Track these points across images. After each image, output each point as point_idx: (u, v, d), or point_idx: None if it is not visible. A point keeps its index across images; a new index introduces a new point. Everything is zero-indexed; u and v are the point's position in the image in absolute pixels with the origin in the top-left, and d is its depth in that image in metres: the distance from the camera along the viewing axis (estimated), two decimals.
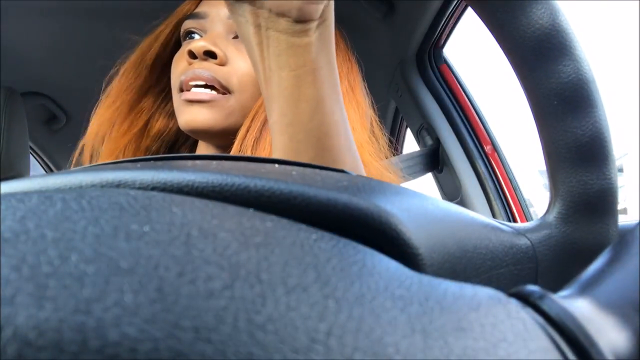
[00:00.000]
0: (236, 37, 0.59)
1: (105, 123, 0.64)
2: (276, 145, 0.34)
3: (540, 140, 0.28)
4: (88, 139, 0.65)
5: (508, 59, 0.27)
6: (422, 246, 0.16)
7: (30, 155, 1.39)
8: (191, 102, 0.54)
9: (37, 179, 0.16)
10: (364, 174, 0.38)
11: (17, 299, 0.08)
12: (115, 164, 0.18)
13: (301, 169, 0.18)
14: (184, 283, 0.09)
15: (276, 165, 0.18)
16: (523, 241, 0.26)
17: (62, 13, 1.03)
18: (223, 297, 0.09)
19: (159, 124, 0.67)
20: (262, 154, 0.53)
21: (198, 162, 0.18)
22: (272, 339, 0.09)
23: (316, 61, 0.32)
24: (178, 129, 0.66)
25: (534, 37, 0.25)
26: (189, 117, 0.54)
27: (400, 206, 0.17)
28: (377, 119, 0.64)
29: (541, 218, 0.29)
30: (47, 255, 0.09)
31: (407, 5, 1.01)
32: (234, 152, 0.54)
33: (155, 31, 0.66)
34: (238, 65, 0.56)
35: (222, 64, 0.55)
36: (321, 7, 0.30)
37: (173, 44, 0.65)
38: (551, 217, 0.28)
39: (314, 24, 0.31)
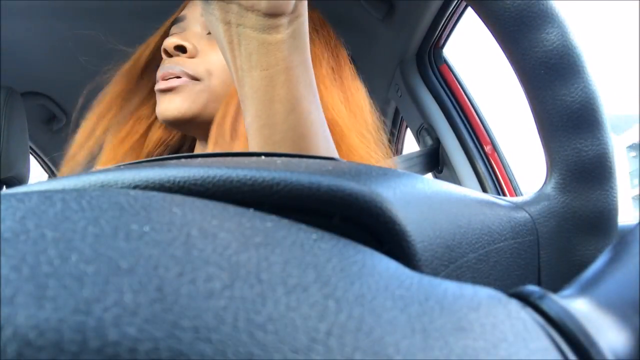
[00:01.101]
0: (209, 33, 0.60)
1: (97, 130, 0.65)
2: (252, 145, 0.34)
3: (532, 112, 0.28)
4: (76, 148, 0.65)
5: (491, 32, 0.27)
6: (410, 223, 0.16)
7: (30, 155, 1.39)
8: (163, 91, 0.57)
9: (43, 184, 0.16)
10: None
11: (17, 299, 0.08)
12: (101, 169, 0.18)
13: (287, 158, 0.18)
14: (184, 283, 0.09)
15: (263, 158, 0.18)
16: (521, 214, 0.26)
17: (63, 13, 1.03)
18: (223, 297, 0.09)
19: (160, 131, 0.67)
20: (241, 137, 0.53)
21: (183, 159, 0.18)
22: (272, 339, 0.09)
23: (289, 60, 0.31)
24: (180, 136, 0.67)
25: (515, 6, 0.25)
26: (161, 107, 0.57)
27: (386, 185, 0.17)
28: (375, 113, 0.63)
29: (539, 190, 0.28)
30: (47, 255, 0.09)
31: (407, 6, 1.01)
32: (211, 136, 0.55)
33: (147, 41, 0.68)
34: (208, 56, 0.58)
35: (192, 57, 0.58)
36: (293, 1, 0.30)
37: (157, 52, 0.66)
38: (549, 188, 0.28)
39: (285, 20, 0.30)
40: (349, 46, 0.70)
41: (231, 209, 0.13)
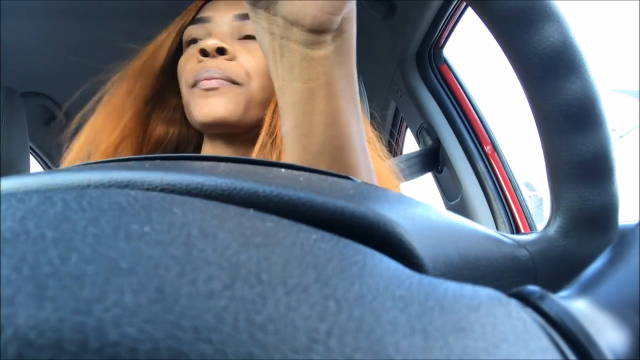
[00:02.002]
0: (241, 38, 0.61)
1: (104, 130, 0.65)
2: (289, 153, 0.34)
3: (544, 154, 0.28)
4: (82, 145, 0.65)
5: (516, 73, 0.27)
6: (425, 256, 0.16)
7: (30, 155, 1.39)
8: (207, 91, 0.57)
9: (44, 176, 0.16)
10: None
11: (17, 299, 0.08)
12: (122, 162, 0.18)
13: (308, 174, 0.18)
14: (184, 283, 0.09)
15: (282, 170, 0.18)
16: (523, 253, 0.26)
17: (63, 13, 1.03)
18: (223, 297, 0.09)
19: (158, 130, 0.67)
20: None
21: (205, 163, 0.18)
22: (273, 339, 0.09)
23: (331, 74, 0.31)
24: (178, 135, 0.67)
25: (544, 53, 0.25)
26: (207, 109, 0.57)
27: (405, 215, 0.17)
28: (372, 122, 0.64)
29: (542, 231, 0.29)
30: (47, 256, 0.09)
31: (407, 6, 1.01)
32: (259, 142, 0.55)
33: (157, 39, 0.68)
34: (246, 60, 0.59)
35: (231, 59, 0.58)
36: (338, 18, 0.30)
37: (174, 52, 0.66)
38: (551, 231, 0.28)
39: (329, 36, 0.30)
40: None
41: (231, 209, 0.14)
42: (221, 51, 0.58)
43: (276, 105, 0.56)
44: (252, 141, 0.59)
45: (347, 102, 0.32)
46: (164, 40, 0.67)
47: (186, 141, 0.69)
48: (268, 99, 0.60)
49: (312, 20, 0.29)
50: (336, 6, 0.29)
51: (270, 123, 0.56)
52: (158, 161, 0.19)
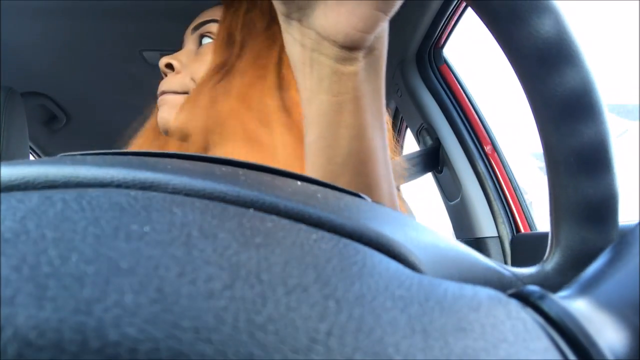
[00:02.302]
0: (200, 46, 0.67)
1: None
2: (312, 164, 0.34)
3: (550, 189, 0.27)
4: None
5: (533, 112, 0.27)
6: None
7: (30, 155, 1.39)
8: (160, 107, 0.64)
9: (66, 167, 0.16)
10: (397, 201, 0.37)
11: (18, 299, 0.08)
12: (143, 158, 0.17)
13: (323, 190, 0.18)
14: (184, 283, 0.09)
15: (299, 183, 0.18)
16: (520, 287, 0.26)
17: (63, 13, 1.03)
18: (223, 298, 0.09)
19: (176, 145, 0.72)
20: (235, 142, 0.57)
21: (225, 169, 0.18)
22: (273, 339, 0.09)
23: (360, 89, 0.31)
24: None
25: (564, 97, 0.25)
26: (159, 120, 0.64)
27: (418, 244, 0.17)
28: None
29: (539, 265, 0.29)
30: (48, 256, 0.09)
31: (407, 6, 1.01)
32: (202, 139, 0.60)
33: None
34: (192, 68, 0.65)
35: (178, 72, 0.65)
36: (370, 37, 0.30)
37: None
38: (549, 267, 0.28)
39: (360, 53, 0.30)
40: None
41: (231, 209, 0.14)
42: (169, 66, 0.65)
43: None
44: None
45: (373, 116, 0.33)
46: None
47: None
48: None
49: (345, 37, 0.29)
50: (369, 25, 0.29)
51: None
52: (178, 160, 0.19)
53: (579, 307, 0.14)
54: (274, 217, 0.14)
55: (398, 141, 1.37)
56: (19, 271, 0.09)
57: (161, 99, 0.64)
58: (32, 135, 1.27)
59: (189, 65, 0.65)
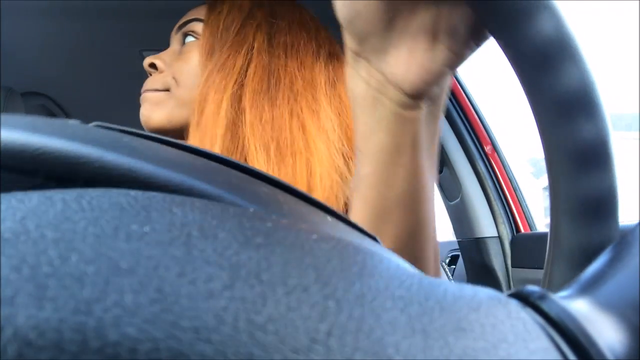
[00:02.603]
0: (183, 44, 0.68)
1: None
2: (364, 196, 0.34)
3: (550, 190, 0.27)
4: None
5: (534, 115, 0.26)
6: None
7: None
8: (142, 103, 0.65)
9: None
10: (437, 238, 0.37)
11: (17, 299, 0.08)
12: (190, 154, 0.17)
13: (342, 227, 0.18)
14: (184, 283, 0.09)
15: (329, 218, 0.18)
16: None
17: (63, 13, 1.03)
18: (223, 298, 0.09)
19: None
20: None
21: (266, 189, 0.18)
22: (273, 340, 0.09)
23: (419, 134, 0.32)
24: None
25: (563, 95, 0.24)
26: (141, 117, 0.65)
27: None
28: None
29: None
30: (47, 256, 0.09)
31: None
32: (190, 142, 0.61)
33: None
34: (175, 67, 0.66)
35: (162, 71, 0.66)
36: (436, 88, 0.31)
37: None
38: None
39: (423, 102, 0.31)
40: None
41: (231, 209, 0.14)
42: (152, 66, 0.66)
43: (198, 106, 0.61)
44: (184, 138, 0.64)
45: (429, 157, 0.33)
46: None
47: None
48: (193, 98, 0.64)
49: (412, 87, 0.30)
50: (436, 78, 0.30)
51: (197, 124, 0.61)
52: (229, 174, 0.18)
53: (579, 307, 0.14)
54: (274, 217, 0.14)
55: None
56: (19, 271, 0.09)
57: (143, 97, 0.65)
58: None
59: (172, 65, 0.66)
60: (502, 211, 1.19)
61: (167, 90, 0.64)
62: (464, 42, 0.29)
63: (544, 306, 0.13)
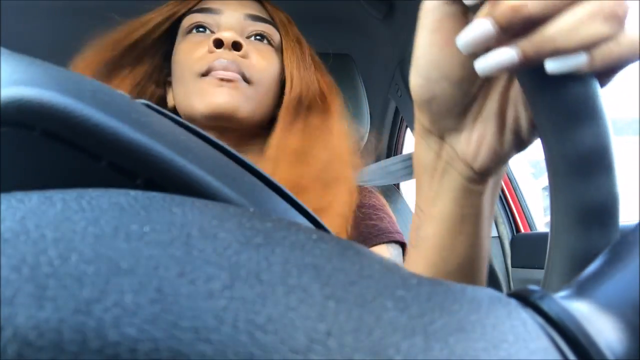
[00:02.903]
0: (249, 37, 0.62)
1: None
2: (425, 257, 0.34)
3: (551, 195, 0.27)
4: None
5: (535, 119, 0.26)
6: None
7: None
8: (221, 80, 0.56)
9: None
10: None
11: (17, 299, 0.08)
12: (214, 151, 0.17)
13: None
14: (183, 283, 0.09)
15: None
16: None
17: (65, 12, 1.03)
18: (223, 298, 0.09)
19: None
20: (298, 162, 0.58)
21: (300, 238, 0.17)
22: (272, 340, 0.09)
23: (484, 205, 0.33)
24: None
25: (565, 99, 0.24)
26: (217, 97, 0.56)
27: None
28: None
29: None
30: (47, 256, 0.09)
31: (407, 6, 1.01)
32: (270, 153, 0.59)
33: (142, 18, 0.67)
34: (257, 61, 0.60)
35: (244, 57, 0.59)
36: (500, 165, 0.32)
37: (162, 33, 0.65)
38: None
39: (489, 177, 0.32)
40: (349, 46, 0.69)
41: (231, 209, 0.13)
42: (236, 46, 0.57)
43: (286, 123, 0.59)
44: (243, 137, 0.60)
45: (489, 226, 0.34)
46: (150, 19, 0.65)
47: None
48: (271, 104, 0.61)
49: (481, 165, 0.31)
50: (504, 159, 0.31)
51: (285, 137, 0.59)
52: (242, 178, 0.18)
53: (579, 307, 0.14)
54: (274, 217, 0.14)
55: (398, 141, 1.37)
56: (19, 271, 0.09)
57: (233, 79, 0.56)
58: None
59: (253, 56, 0.60)
60: (502, 211, 1.19)
61: (249, 83, 0.58)
62: (531, 129, 0.30)
63: (544, 306, 0.13)
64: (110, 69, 0.65)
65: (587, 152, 0.24)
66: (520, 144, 0.31)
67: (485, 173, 0.31)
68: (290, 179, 0.55)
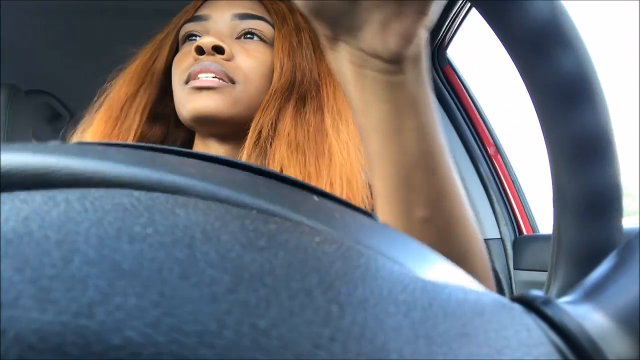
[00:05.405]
0: (239, 37, 0.63)
1: (108, 138, 0.64)
2: (381, 173, 0.34)
3: (553, 187, 0.27)
4: None
5: (534, 109, 0.26)
6: None
7: None
8: (199, 89, 0.57)
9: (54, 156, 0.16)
10: (478, 233, 0.38)
11: (20, 302, 0.08)
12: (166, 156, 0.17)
13: (340, 209, 0.18)
14: (187, 286, 0.09)
15: (315, 198, 0.18)
16: None
17: (67, 12, 1.03)
18: (226, 301, 0.09)
19: (144, 126, 0.67)
20: (278, 145, 0.57)
21: (241, 175, 0.18)
22: (275, 344, 0.09)
23: (412, 92, 0.33)
24: (161, 133, 0.67)
25: (560, 85, 0.24)
26: (197, 103, 0.57)
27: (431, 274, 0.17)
28: None
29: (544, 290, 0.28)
30: (50, 257, 0.09)
31: None
32: (249, 142, 0.57)
33: (155, 40, 0.68)
34: (243, 61, 0.60)
35: (228, 59, 0.59)
36: (413, 47, 0.31)
37: (175, 52, 0.67)
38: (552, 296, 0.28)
39: (406, 63, 0.32)
40: None
41: (234, 211, 0.13)
42: (218, 50, 0.58)
43: (265, 106, 0.59)
44: (244, 137, 0.60)
45: (432, 116, 0.34)
46: (164, 40, 0.67)
47: (171, 140, 0.70)
48: (260, 100, 0.61)
49: (390, 54, 0.31)
50: (411, 37, 0.31)
51: (262, 124, 0.58)
52: (202, 163, 0.18)
53: (583, 312, 0.14)
54: (277, 219, 0.14)
55: None
56: (22, 273, 0.09)
57: (215, 83, 0.57)
58: (35, 133, 1.28)
59: (239, 56, 0.60)
60: (504, 213, 1.19)
61: (234, 83, 0.59)
62: (430, 1, 0.30)
63: (548, 311, 0.13)
64: (139, 102, 0.66)
65: (586, 135, 0.24)
66: (423, 19, 0.31)
67: (400, 59, 0.31)
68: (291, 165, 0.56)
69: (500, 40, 0.27)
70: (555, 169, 0.26)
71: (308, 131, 0.59)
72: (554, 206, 0.27)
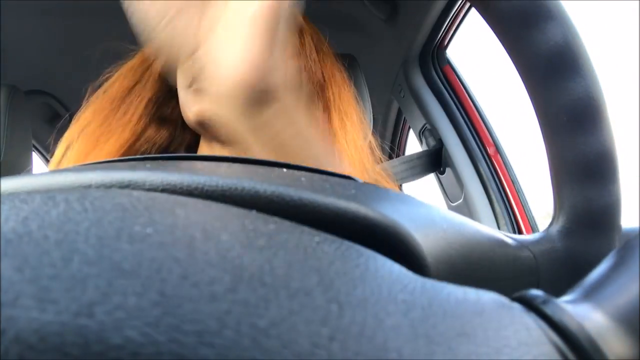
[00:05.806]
0: None
1: (93, 123, 0.64)
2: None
3: (547, 155, 0.28)
4: (67, 142, 0.65)
5: (519, 73, 0.27)
6: (429, 257, 0.16)
7: (33, 154, 1.39)
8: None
9: (44, 176, 0.16)
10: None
11: (19, 302, 0.08)
12: (123, 162, 0.18)
13: (309, 174, 0.18)
14: (186, 286, 0.09)
15: (284, 170, 0.18)
16: (526, 253, 0.26)
17: (67, 12, 1.03)
18: (226, 301, 0.09)
19: (151, 130, 0.67)
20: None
21: (207, 163, 0.18)
22: (275, 344, 0.09)
23: (280, 133, 0.34)
24: (169, 135, 0.68)
25: (547, 53, 0.24)
26: (202, 107, 0.58)
27: (409, 216, 0.17)
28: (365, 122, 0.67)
29: (544, 231, 0.29)
30: (50, 257, 0.09)
31: (410, 6, 1.01)
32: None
33: None
34: None
35: None
36: (266, 93, 0.33)
37: None
38: (554, 231, 0.28)
39: (265, 107, 0.33)
40: (353, 47, 0.69)
41: (234, 211, 0.13)
42: None
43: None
44: None
45: (308, 149, 0.36)
46: None
47: (178, 142, 0.70)
48: None
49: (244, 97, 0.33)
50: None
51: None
52: (160, 161, 0.19)
53: (582, 311, 0.14)
54: (277, 219, 0.14)
55: (401, 142, 1.37)
56: (22, 273, 0.09)
57: None
58: (35, 133, 1.28)
59: None
60: (504, 212, 1.19)
61: None
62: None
63: (548, 311, 0.13)
64: (137, 97, 0.67)
65: (577, 105, 0.24)
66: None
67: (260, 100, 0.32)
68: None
69: (513, 62, 0.27)
70: (547, 135, 0.26)
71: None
72: (551, 174, 0.28)
